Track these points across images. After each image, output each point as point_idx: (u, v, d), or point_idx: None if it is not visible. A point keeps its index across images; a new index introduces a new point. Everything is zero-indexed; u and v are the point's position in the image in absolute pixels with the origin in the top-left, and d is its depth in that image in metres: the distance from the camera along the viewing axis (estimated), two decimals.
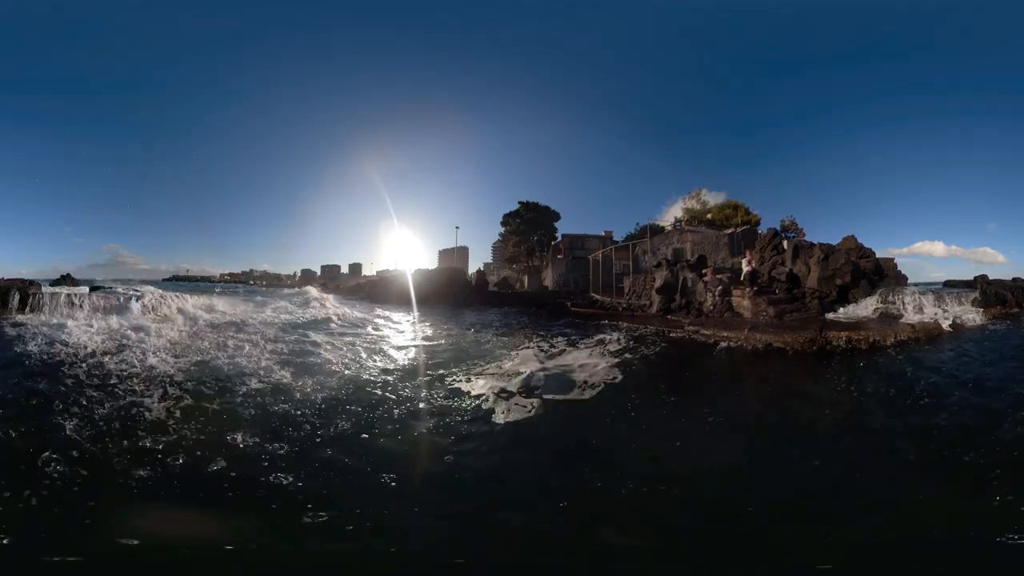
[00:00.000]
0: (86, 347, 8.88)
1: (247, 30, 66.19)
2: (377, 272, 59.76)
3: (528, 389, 7.99)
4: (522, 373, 8.87)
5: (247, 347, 9.95)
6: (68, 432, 5.37)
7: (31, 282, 14.65)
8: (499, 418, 6.68)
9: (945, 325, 13.03)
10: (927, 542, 3.90)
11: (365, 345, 11.55)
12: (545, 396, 7.63)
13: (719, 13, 59.39)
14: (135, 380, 7.19)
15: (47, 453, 4.85)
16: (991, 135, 58.38)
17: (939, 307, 14.47)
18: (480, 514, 4.42)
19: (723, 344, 11.89)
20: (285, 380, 7.85)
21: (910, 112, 64.49)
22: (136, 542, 3.60)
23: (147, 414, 6.01)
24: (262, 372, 8.16)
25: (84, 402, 6.20)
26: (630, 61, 71.23)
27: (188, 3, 63.48)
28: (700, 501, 4.66)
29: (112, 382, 7.07)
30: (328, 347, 10.77)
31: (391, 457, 5.42)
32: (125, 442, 5.26)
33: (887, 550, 3.82)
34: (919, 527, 4.11)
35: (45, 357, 8.13)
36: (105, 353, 8.52)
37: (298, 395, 7.18)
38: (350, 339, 12.27)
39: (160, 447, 5.21)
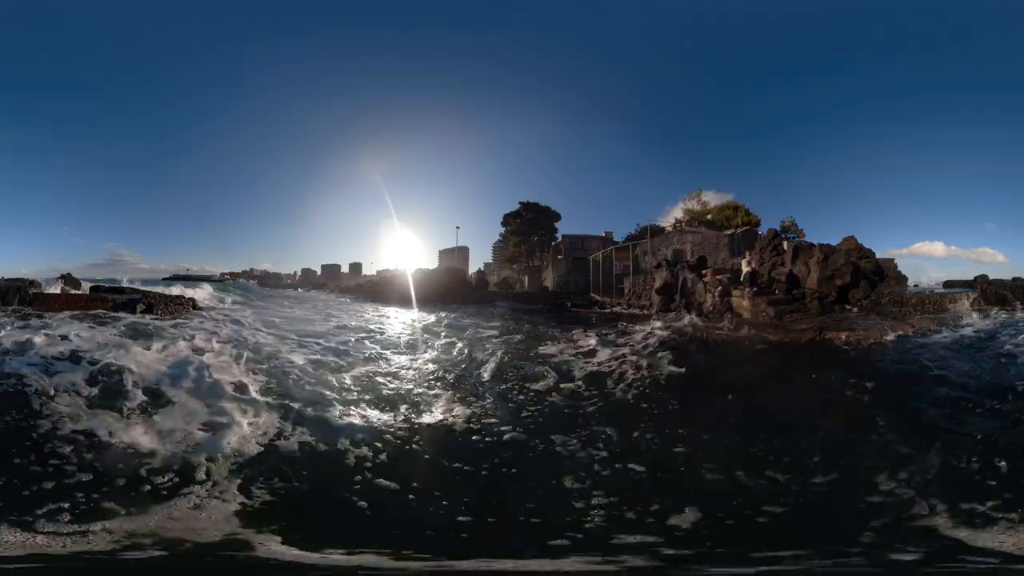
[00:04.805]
0: None
1: (247, 30, 66.22)
2: (377, 272, 59.72)
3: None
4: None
5: None
6: None
7: (31, 281, 14.69)
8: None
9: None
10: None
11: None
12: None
13: (720, 15, 59.34)
14: None
15: None
16: (991, 135, 58.23)
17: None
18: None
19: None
20: None
21: (910, 113, 64.34)
22: None
23: None
24: None
25: None
26: (631, 62, 71.15)
27: (189, 3, 63.57)
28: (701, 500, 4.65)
29: None
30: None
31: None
32: None
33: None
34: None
35: None
36: None
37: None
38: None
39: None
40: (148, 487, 4.54)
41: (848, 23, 57.97)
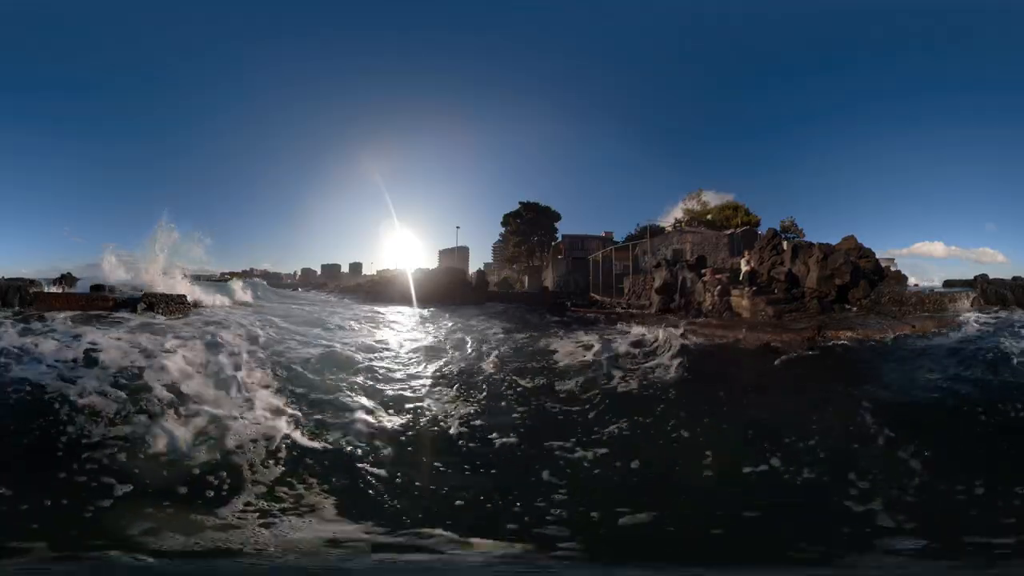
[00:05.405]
0: None
1: (247, 30, 66.21)
2: (377, 271, 59.68)
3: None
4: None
5: None
6: None
7: (31, 281, 14.70)
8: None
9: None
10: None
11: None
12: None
13: (720, 15, 59.34)
14: None
15: None
16: (991, 135, 58.11)
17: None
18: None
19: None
20: None
21: (910, 113, 64.25)
22: None
23: None
24: None
25: None
26: (631, 62, 71.04)
27: (189, 3, 63.58)
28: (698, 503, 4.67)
29: None
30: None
31: None
32: None
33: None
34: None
35: None
36: None
37: None
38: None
39: None
40: (186, 490, 4.62)
41: (848, 23, 57.91)
